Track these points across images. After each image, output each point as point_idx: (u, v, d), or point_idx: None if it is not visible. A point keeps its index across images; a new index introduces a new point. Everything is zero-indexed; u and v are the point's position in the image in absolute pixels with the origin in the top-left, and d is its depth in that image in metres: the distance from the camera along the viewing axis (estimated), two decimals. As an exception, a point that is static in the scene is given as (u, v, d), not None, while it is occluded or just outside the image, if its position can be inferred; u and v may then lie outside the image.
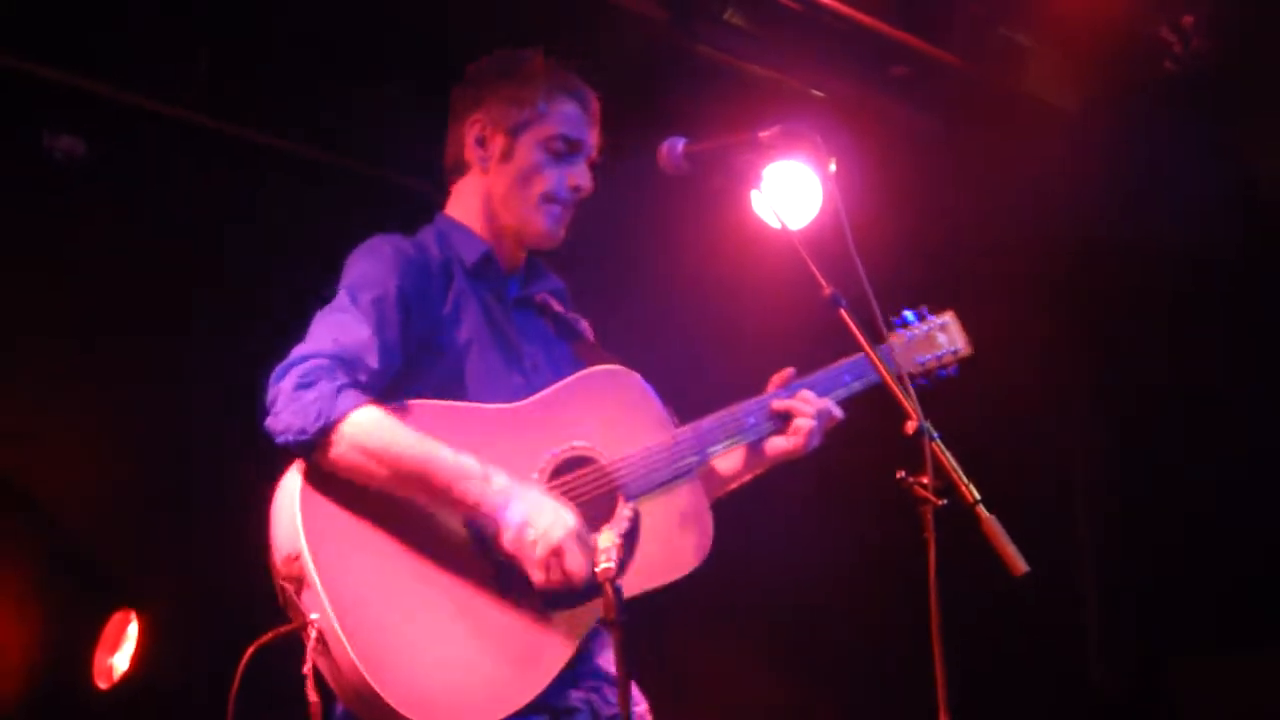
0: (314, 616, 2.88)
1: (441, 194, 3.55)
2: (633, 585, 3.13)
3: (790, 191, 4.82)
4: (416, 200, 5.31)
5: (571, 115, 3.41)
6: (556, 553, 2.98)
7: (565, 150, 3.39)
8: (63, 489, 6.00)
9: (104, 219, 5.26)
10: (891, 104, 5.70)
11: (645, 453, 3.28)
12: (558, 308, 3.55)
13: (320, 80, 5.11)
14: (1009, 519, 2.81)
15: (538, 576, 2.99)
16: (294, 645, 2.93)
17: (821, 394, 3.52)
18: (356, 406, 2.96)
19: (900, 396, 2.96)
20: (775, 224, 3.24)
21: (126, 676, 5.61)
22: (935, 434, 2.88)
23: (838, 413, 3.52)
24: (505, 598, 3.04)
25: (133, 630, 5.67)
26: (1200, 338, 5.96)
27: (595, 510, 3.18)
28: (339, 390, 2.96)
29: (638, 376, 3.41)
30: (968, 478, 2.84)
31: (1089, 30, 5.39)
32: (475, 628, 3.00)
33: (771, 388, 3.53)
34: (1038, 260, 6.05)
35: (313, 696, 2.88)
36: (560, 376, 3.32)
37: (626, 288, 5.60)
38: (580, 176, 3.41)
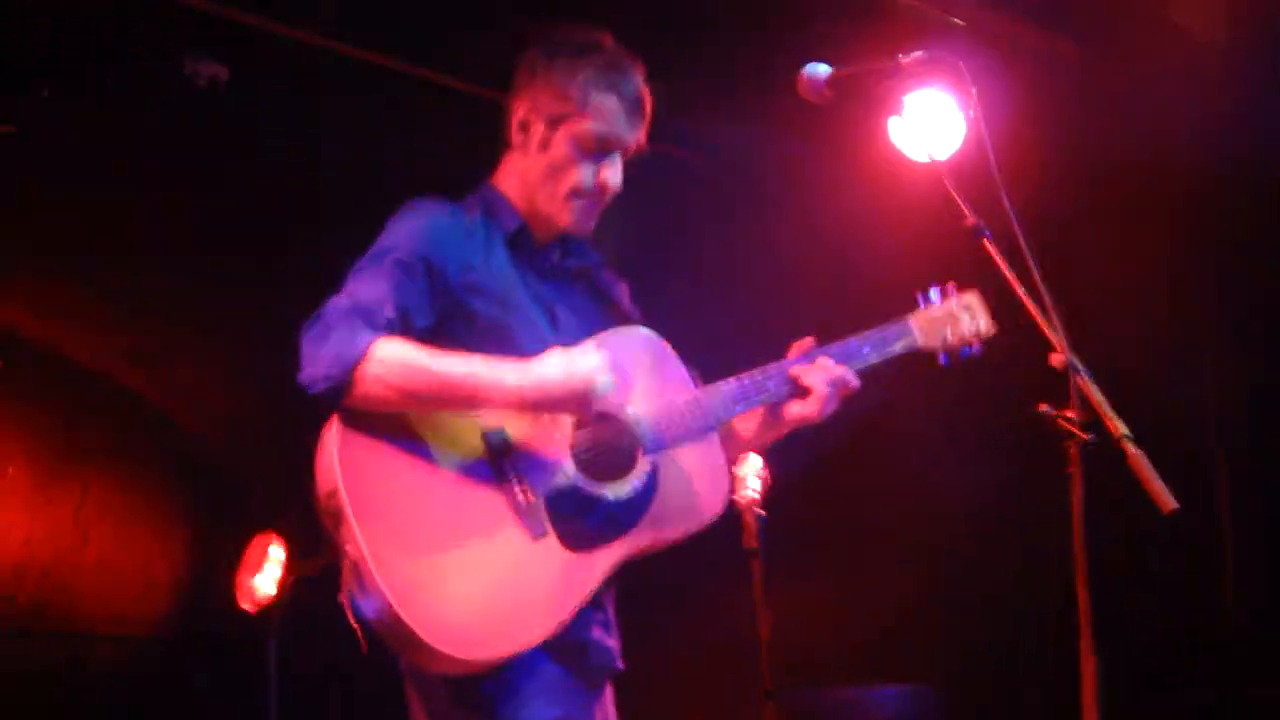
0: (349, 548, 2.99)
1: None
2: (648, 537, 3.23)
3: (929, 120, 4.75)
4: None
5: (612, 113, 3.39)
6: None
7: (599, 149, 3.39)
8: (196, 411, 6.12)
9: (238, 143, 5.34)
10: (1030, 31, 5.60)
11: (665, 410, 3.33)
12: (593, 274, 3.60)
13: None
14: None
15: (593, 374, 3.12)
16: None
17: (839, 363, 3.51)
18: (373, 341, 3.05)
19: (1047, 329, 2.92)
20: (916, 153, 3.19)
21: (275, 600, 5.74)
22: (1082, 368, 2.83)
23: (854, 382, 3.51)
24: (528, 535, 3.12)
25: (275, 553, 5.79)
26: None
27: (614, 462, 3.26)
28: (354, 331, 3.06)
29: (661, 339, 3.47)
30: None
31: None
32: (499, 562, 3.09)
33: (792, 354, 3.54)
34: (1177, 192, 5.93)
35: (353, 622, 3.01)
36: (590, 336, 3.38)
37: (755, 215, 5.58)
38: (611, 174, 3.42)
